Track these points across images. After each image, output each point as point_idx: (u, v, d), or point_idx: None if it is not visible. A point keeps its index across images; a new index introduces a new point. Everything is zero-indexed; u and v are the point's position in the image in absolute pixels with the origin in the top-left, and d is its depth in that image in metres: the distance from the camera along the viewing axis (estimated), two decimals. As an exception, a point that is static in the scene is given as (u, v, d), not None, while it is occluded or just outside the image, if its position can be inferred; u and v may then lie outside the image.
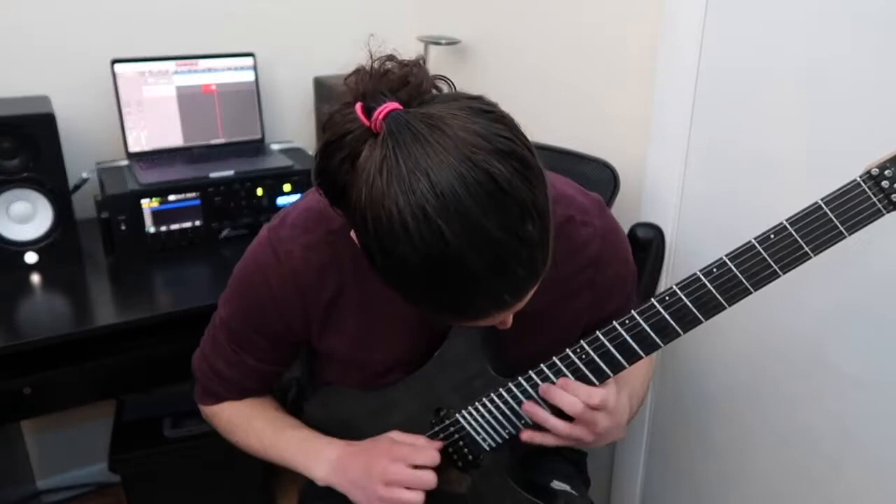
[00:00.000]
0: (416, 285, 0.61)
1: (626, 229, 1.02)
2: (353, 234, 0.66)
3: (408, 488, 0.83)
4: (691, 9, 1.15)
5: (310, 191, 0.87)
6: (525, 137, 0.62)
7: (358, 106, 0.62)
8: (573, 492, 1.00)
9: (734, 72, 1.12)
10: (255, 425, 0.95)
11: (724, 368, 1.27)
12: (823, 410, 1.09)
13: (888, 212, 0.68)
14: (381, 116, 0.60)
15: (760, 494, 1.24)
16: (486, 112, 0.61)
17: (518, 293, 0.62)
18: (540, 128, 1.42)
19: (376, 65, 0.65)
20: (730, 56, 1.13)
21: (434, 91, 0.65)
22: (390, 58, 0.66)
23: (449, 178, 0.56)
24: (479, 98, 0.63)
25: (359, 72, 0.66)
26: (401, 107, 0.61)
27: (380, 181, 0.58)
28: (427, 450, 0.86)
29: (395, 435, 0.89)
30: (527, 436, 0.84)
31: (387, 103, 0.61)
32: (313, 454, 0.92)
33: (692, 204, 1.25)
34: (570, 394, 0.80)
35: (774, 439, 1.19)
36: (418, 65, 0.66)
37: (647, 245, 1.14)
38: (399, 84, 0.63)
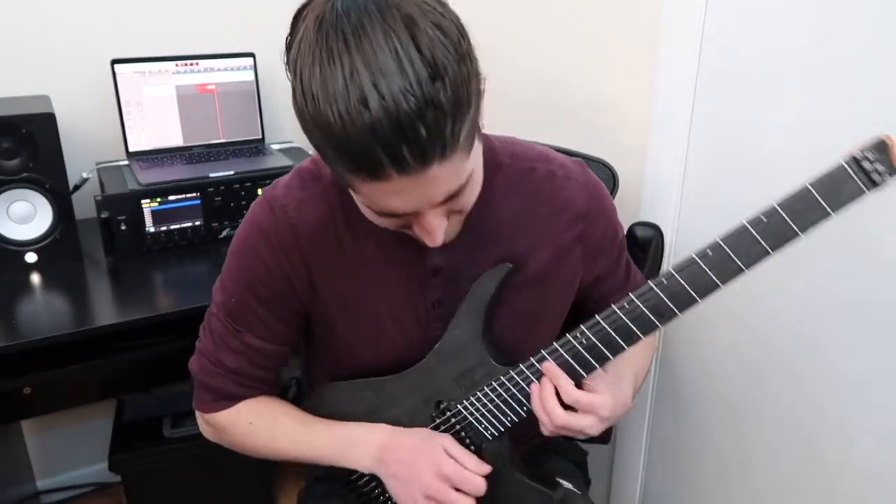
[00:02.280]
0: (324, 129, 0.63)
1: (625, 229, 1.02)
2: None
3: None
4: (691, 9, 1.15)
5: (304, 160, 0.89)
6: (459, 22, 0.66)
7: None
8: (575, 490, 1.01)
9: (734, 71, 1.13)
10: (281, 424, 0.93)
11: (724, 368, 1.27)
12: (823, 410, 1.09)
13: (869, 190, 0.71)
14: None
15: (760, 494, 1.24)
16: None
17: (419, 155, 0.62)
18: (540, 128, 1.43)
19: None
20: (730, 56, 1.13)
21: None
22: None
23: (371, 30, 0.60)
24: None
25: None
26: None
27: (311, 31, 0.63)
28: (477, 480, 0.86)
29: (449, 444, 0.88)
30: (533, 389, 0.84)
31: None
32: (354, 443, 0.91)
33: (692, 204, 1.26)
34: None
35: (774, 439, 1.19)
36: None
37: (647, 245, 1.14)
38: None
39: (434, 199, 0.69)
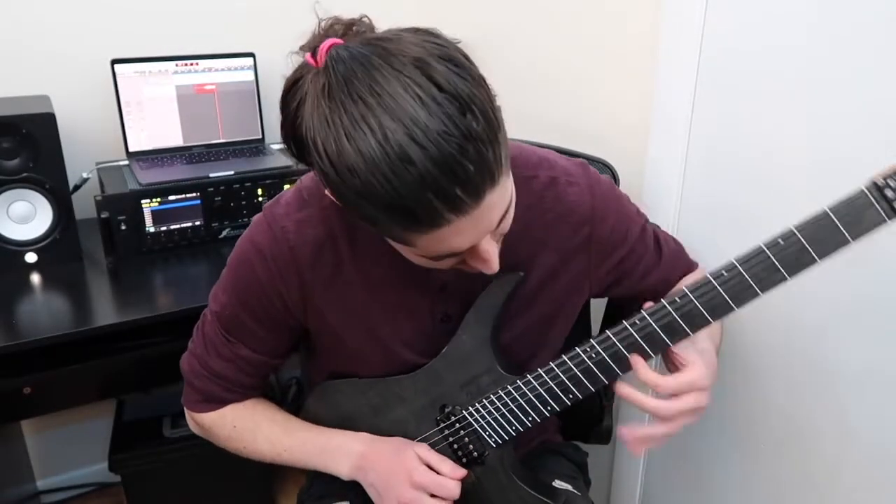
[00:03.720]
0: (370, 198, 0.61)
1: (619, 191, 1.01)
2: (327, 191, 0.68)
3: None
4: (691, 9, 1.15)
5: (305, 175, 0.89)
6: (459, 48, 0.64)
7: (307, 55, 0.66)
8: (575, 491, 1.01)
9: (734, 72, 1.12)
10: (262, 428, 0.94)
11: (723, 367, 1.27)
12: (823, 409, 1.09)
13: (891, 220, 0.70)
14: (323, 50, 0.64)
15: (760, 494, 1.24)
16: (418, 30, 0.65)
17: (472, 192, 0.61)
18: (540, 128, 1.43)
19: (323, 24, 0.69)
20: (730, 56, 1.13)
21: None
22: (336, 19, 0.70)
23: (385, 82, 0.59)
24: (412, 26, 0.66)
25: (311, 36, 0.69)
26: (342, 42, 0.65)
27: (324, 101, 0.61)
28: (449, 484, 0.86)
29: (422, 451, 0.88)
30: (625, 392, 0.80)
31: (328, 40, 0.65)
32: (333, 451, 0.92)
33: (692, 204, 1.25)
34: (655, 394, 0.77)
35: (774, 438, 1.19)
36: (361, 20, 0.69)
37: (647, 245, 1.14)
38: (344, 31, 0.68)
39: (491, 226, 0.68)
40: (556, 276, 0.89)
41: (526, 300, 0.89)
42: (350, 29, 0.68)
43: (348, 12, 0.71)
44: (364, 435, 0.92)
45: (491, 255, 0.71)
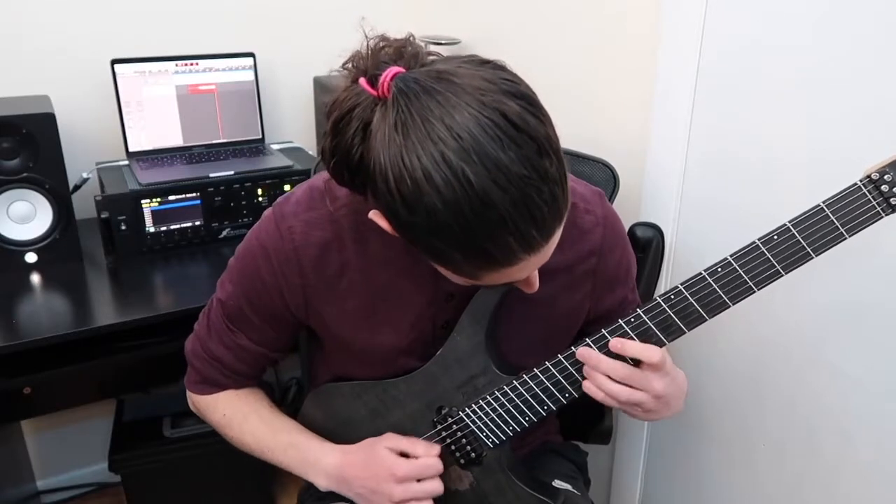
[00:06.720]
0: (446, 237, 0.61)
1: (626, 229, 1.02)
2: (373, 214, 0.68)
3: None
4: (691, 9, 1.15)
5: (316, 174, 0.89)
6: (527, 83, 0.64)
7: (362, 80, 0.64)
8: (575, 491, 1.01)
9: (734, 72, 1.12)
10: (250, 423, 0.95)
11: (724, 368, 1.27)
12: (823, 410, 1.09)
13: (886, 214, 0.70)
14: (387, 80, 0.62)
15: (760, 494, 1.24)
16: (485, 62, 0.64)
17: (545, 232, 0.62)
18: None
19: (371, 44, 0.67)
20: (730, 56, 1.13)
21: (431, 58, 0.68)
22: (383, 38, 0.68)
23: (464, 121, 0.58)
24: (474, 55, 0.66)
25: (355, 55, 0.68)
26: (404, 70, 0.63)
27: (397, 138, 0.59)
28: (432, 462, 0.87)
29: (392, 442, 0.89)
30: (586, 385, 0.81)
31: (390, 68, 0.63)
32: (311, 463, 0.92)
33: (692, 203, 1.25)
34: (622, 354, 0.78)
35: (774, 439, 1.19)
36: (410, 41, 0.68)
37: (647, 245, 1.14)
38: (396, 55, 0.66)
39: (548, 257, 0.68)
40: (559, 296, 0.89)
41: (526, 310, 0.88)
42: (402, 51, 0.66)
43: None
44: (336, 448, 0.93)
45: (537, 278, 0.74)
